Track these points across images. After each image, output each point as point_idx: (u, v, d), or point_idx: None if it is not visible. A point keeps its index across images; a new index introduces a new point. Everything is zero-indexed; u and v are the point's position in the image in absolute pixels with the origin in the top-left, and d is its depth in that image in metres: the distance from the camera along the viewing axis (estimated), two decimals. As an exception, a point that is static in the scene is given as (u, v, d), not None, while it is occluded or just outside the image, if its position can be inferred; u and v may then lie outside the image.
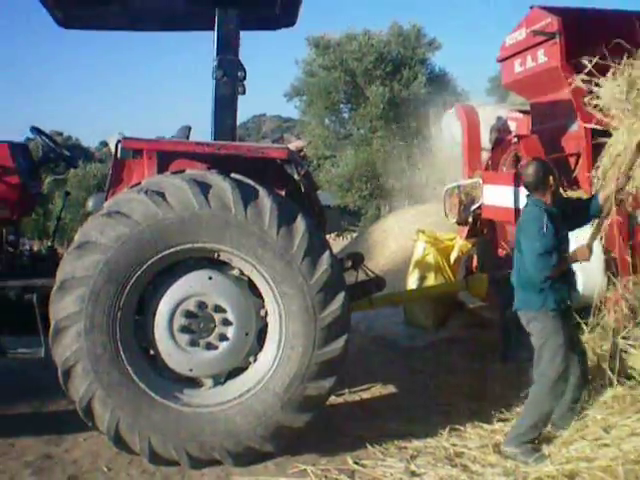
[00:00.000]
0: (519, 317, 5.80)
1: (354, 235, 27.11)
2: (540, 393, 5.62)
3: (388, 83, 28.04)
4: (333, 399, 6.49)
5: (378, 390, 7.58)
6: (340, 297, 5.51)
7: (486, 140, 9.92)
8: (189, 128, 7.03)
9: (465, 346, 8.81)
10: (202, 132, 6.74)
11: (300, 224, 5.43)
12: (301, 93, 30.67)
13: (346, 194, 29.59)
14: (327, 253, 5.51)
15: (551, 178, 5.73)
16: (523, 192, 6.64)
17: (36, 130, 6.84)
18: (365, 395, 7.46)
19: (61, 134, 59.60)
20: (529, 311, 5.68)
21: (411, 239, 10.77)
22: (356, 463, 5.67)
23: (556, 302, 5.54)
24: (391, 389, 7.63)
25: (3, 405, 6.98)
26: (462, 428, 6.29)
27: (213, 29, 6.11)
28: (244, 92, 6.14)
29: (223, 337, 5.58)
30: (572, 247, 5.73)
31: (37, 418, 6.74)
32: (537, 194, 5.73)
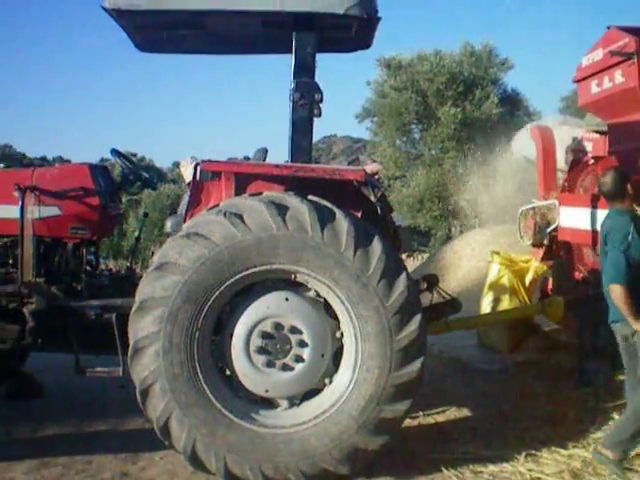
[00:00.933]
0: (613, 331, 5.72)
1: (425, 256, 26.98)
2: None
3: (460, 103, 27.87)
4: (408, 422, 6.42)
5: (453, 413, 7.50)
6: (416, 319, 5.48)
7: (561, 161, 9.81)
8: (266, 150, 7.09)
9: (540, 370, 8.69)
10: (277, 154, 6.78)
11: (376, 246, 5.42)
12: (372, 114, 30.68)
13: (417, 214, 29.46)
14: (403, 275, 5.48)
15: (629, 185, 5.66)
16: (601, 214, 6.55)
17: (116, 152, 6.97)
18: (440, 418, 7.38)
19: (135, 155, 60.56)
20: (619, 322, 5.60)
21: (483, 260, 10.71)
22: (431, 487, 5.62)
23: None
24: (465, 412, 7.54)
25: (81, 423, 7.09)
26: (538, 453, 6.19)
27: (290, 52, 6.14)
28: (320, 114, 6.15)
29: (299, 358, 5.58)
30: None
31: (114, 436, 6.81)
32: (617, 202, 5.66)
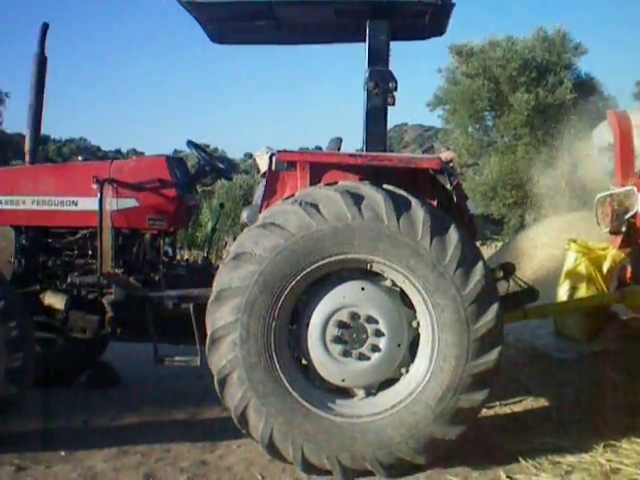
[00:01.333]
0: None
1: (498, 244, 26.70)
2: None
3: (533, 89, 27.47)
4: (484, 412, 6.36)
5: (529, 403, 7.42)
6: (494, 308, 5.42)
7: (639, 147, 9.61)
8: (340, 140, 7.09)
9: (618, 359, 8.52)
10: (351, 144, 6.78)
11: (453, 234, 5.38)
12: (444, 102, 30.43)
13: (490, 202, 29.16)
14: (480, 264, 5.44)
15: None
16: None
17: (192, 143, 7.02)
18: (516, 408, 7.31)
19: (207, 146, 61.08)
20: None
21: (559, 248, 10.54)
22: (509, 477, 5.56)
23: None
24: (542, 402, 7.45)
25: (159, 412, 7.19)
26: (617, 444, 6.09)
27: (363, 40, 6.13)
28: (394, 103, 6.12)
29: (375, 348, 5.57)
30: None
31: (192, 425, 6.89)
32: None
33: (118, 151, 76.24)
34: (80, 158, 7.13)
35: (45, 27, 6.69)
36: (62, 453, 6.06)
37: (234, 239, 5.94)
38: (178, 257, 7.72)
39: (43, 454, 6.02)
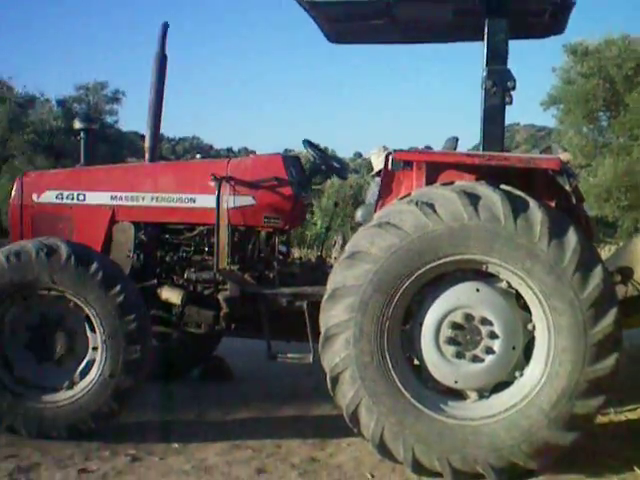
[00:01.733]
0: None
1: (612, 247, 26.08)
2: None
3: (650, 89, 26.76)
4: (599, 419, 6.22)
5: (645, 411, 7.23)
6: (612, 312, 5.29)
7: None
8: (456, 139, 7.04)
9: None
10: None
11: (571, 237, 5.27)
12: (558, 101, 29.88)
13: (604, 204, 28.50)
14: (599, 267, 5.31)
15: None
16: None
17: (308, 143, 7.08)
18: (631, 416, 7.12)
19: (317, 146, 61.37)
20: None
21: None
22: (623, 487, 5.44)
23: None
24: (660, 411, 7.25)
25: (270, 407, 7.28)
26: None
27: (481, 39, 6.07)
28: (511, 102, 6.04)
29: (489, 350, 5.50)
30: None
31: (302, 422, 6.94)
32: None
33: (230, 149, 77.21)
34: (198, 156, 7.28)
35: (165, 27, 6.85)
36: (176, 445, 6.18)
37: (343, 238, 5.97)
38: (292, 255, 7.79)
39: (157, 445, 6.16)
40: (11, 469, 5.59)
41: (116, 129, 37.80)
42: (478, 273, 5.55)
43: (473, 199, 5.32)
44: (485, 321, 5.49)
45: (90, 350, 6.13)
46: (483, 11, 5.98)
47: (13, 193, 7.10)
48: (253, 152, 44.32)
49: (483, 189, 5.41)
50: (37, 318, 6.21)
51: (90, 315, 6.02)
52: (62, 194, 6.95)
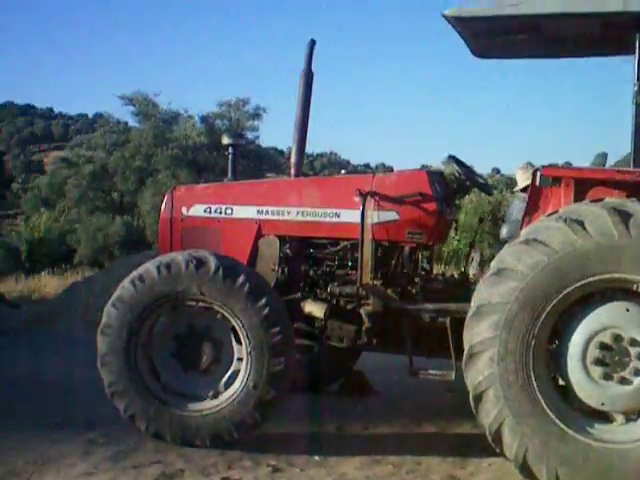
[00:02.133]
0: None
1: None
2: None
3: None
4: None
5: None
6: None
7: None
8: (605, 155, 6.90)
9: None
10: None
11: None
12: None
13: None
14: None
15: None
16: None
17: (453, 158, 7.05)
18: None
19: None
20: None
21: None
22: None
23: None
24: None
25: (410, 423, 7.26)
26: None
27: (630, 53, 5.94)
28: None
29: (638, 372, 5.34)
30: None
31: (442, 439, 6.88)
32: None
33: (367, 165, 77.72)
34: (343, 172, 7.35)
35: (312, 44, 6.94)
36: (316, 458, 6.21)
37: (480, 254, 5.92)
38: (435, 271, 7.75)
39: (298, 457, 6.21)
40: (157, 475, 5.76)
41: (256, 145, 38.48)
42: (628, 292, 5.41)
43: (624, 216, 5.19)
44: (635, 342, 5.32)
45: (235, 361, 6.25)
46: (634, 25, 5.83)
47: (163, 206, 7.32)
48: (391, 168, 44.37)
49: (634, 206, 5.27)
50: (185, 328, 6.38)
51: (236, 326, 6.14)
52: (210, 208, 7.12)
